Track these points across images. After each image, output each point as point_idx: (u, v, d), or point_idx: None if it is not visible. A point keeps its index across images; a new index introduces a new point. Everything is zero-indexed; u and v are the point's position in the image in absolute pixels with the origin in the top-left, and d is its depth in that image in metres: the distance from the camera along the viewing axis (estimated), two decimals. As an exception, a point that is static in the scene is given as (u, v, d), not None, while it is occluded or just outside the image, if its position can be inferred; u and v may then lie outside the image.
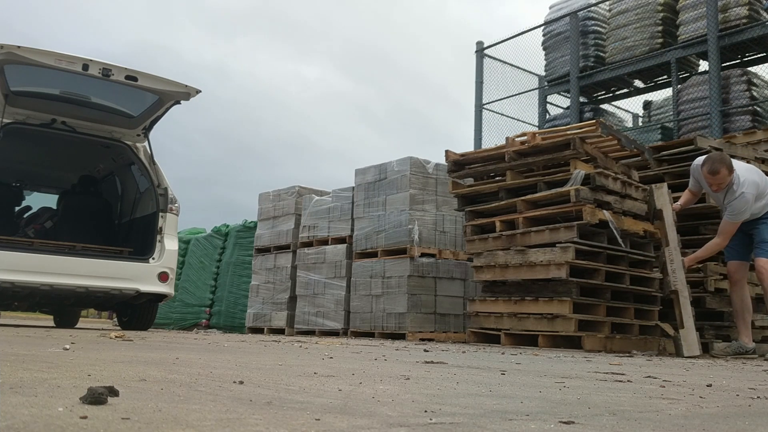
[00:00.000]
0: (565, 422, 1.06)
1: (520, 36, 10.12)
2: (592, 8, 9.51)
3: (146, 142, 6.08)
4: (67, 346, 2.60)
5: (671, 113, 8.67)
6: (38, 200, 7.53)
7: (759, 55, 8.57)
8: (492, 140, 9.81)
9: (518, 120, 10.34)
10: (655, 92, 9.95)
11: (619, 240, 5.11)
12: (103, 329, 6.10)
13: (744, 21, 7.78)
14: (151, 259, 5.51)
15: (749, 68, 8.11)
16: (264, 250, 8.52)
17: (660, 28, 8.61)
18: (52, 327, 6.99)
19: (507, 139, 5.68)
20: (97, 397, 1.01)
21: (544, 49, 10.06)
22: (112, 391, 1.07)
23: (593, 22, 9.49)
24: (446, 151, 6.07)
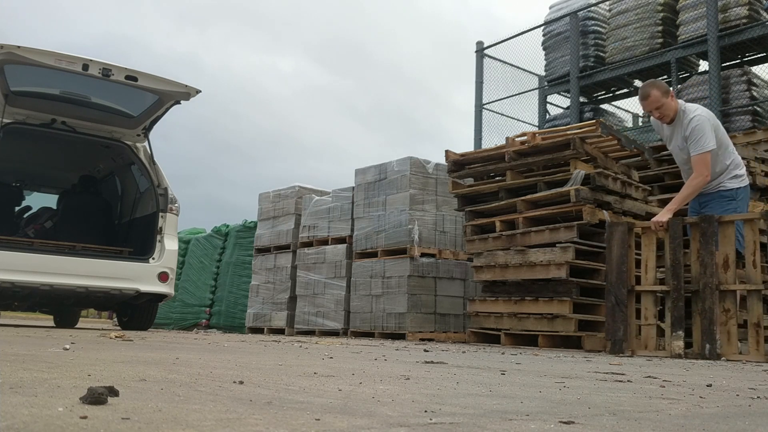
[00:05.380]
0: (565, 422, 1.06)
1: (520, 36, 10.13)
2: (592, 8, 9.51)
3: (146, 142, 6.08)
4: (67, 346, 2.59)
5: (671, 113, 8.66)
6: (38, 200, 7.53)
7: (759, 55, 8.57)
8: (492, 140, 9.82)
9: (518, 120, 10.34)
10: (655, 92, 9.93)
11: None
12: (103, 329, 6.10)
13: (744, 21, 7.78)
14: (151, 259, 5.51)
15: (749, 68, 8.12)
16: (264, 250, 8.52)
17: (660, 28, 8.62)
18: (52, 327, 6.99)
19: (507, 139, 5.68)
20: (97, 397, 1.01)
21: (544, 49, 10.07)
22: (112, 391, 1.07)
23: (593, 22, 9.50)
24: (446, 151, 6.08)
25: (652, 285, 4.12)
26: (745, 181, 4.26)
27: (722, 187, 4.22)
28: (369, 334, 6.76)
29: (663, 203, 5.73)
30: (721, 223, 3.91)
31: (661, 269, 4.22)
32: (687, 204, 4.37)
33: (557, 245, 5.00)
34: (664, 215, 4.13)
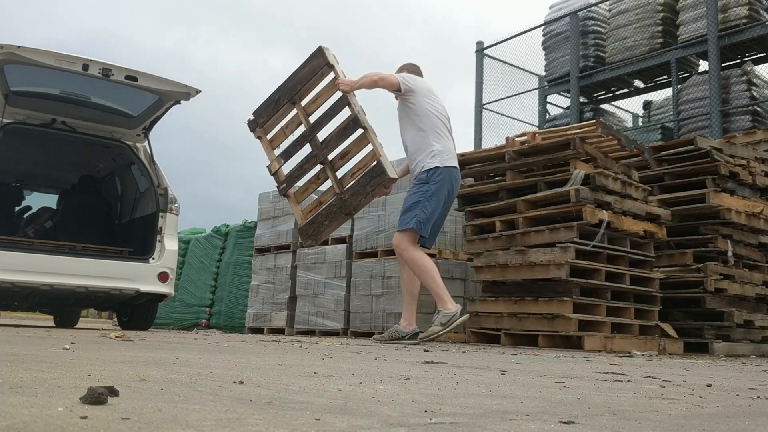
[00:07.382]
0: (565, 422, 1.06)
1: (520, 36, 10.13)
2: (592, 8, 9.52)
3: (146, 142, 6.08)
4: (67, 346, 2.59)
5: (671, 113, 8.67)
6: (38, 200, 7.53)
7: (759, 55, 8.58)
8: (492, 140, 9.82)
9: (518, 120, 10.35)
10: (655, 92, 9.97)
11: (597, 240, 5.06)
12: (103, 329, 6.10)
13: (744, 21, 7.79)
14: (151, 259, 5.51)
15: (749, 68, 8.11)
16: (264, 250, 8.52)
17: (660, 28, 8.62)
18: (52, 327, 6.99)
19: (507, 139, 5.68)
20: (97, 397, 1.01)
21: (544, 49, 10.07)
22: (112, 391, 1.07)
23: (593, 22, 9.50)
24: (446, 151, 6.07)
25: (302, 112, 4.87)
26: (445, 163, 4.40)
27: (419, 169, 4.48)
28: (369, 334, 6.75)
29: (663, 203, 5.74)
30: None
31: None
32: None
33: (557, 245, 5.00)
34: (349, 83, 4.53)
